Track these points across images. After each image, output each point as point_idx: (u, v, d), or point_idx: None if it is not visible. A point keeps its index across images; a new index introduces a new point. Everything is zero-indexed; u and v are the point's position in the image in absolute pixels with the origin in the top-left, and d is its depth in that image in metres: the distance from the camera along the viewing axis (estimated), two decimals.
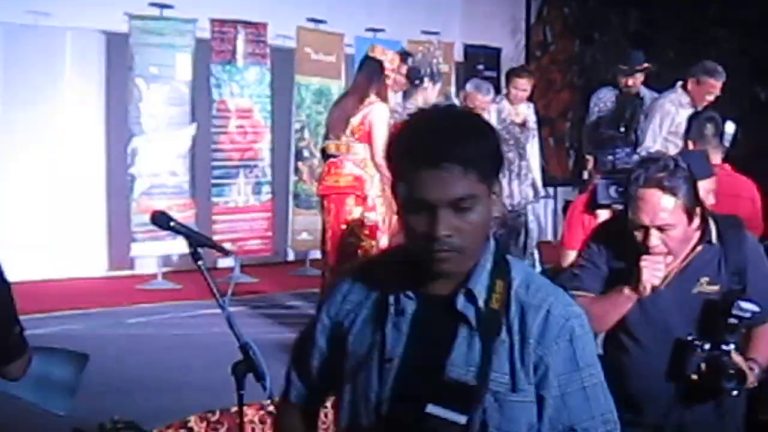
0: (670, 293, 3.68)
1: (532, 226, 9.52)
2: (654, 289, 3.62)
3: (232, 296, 3.73)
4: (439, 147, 2.22)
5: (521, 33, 14.40)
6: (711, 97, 8.34)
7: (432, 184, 2.20)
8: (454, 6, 13.41)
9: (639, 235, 3.58)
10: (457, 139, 2.23)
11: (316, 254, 11.01)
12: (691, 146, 6.49)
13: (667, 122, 8.23)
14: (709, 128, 6.35)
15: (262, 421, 5.37)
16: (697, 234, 3.66)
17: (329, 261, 7.25)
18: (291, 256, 11.40)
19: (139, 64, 9.69)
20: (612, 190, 5.09)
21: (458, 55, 12.71)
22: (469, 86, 9.23)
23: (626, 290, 3.65)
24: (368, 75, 7.35)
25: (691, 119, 6.65)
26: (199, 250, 4.06)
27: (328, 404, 2.90)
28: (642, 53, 9.50)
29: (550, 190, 14.17)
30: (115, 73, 10.13)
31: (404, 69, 8.49)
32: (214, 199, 10.27)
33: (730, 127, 7.73)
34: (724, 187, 6.23)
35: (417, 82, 8.30)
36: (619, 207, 4.63)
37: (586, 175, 7.73)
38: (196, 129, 10.05)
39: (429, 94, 8.26)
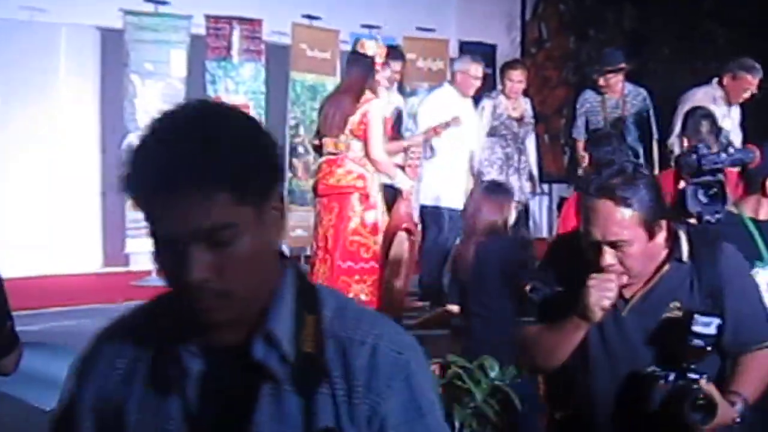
0: (635, 321, 3.17)
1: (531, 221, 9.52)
2: (613, 314, 3.12)
3: None
4: (172, 164, 1.67)
5: (516, 30, 14.39)
6: (747, 94, 8.30)
7: (170, 214, 1.68)
8: (449, 2, 13.41)
9: (592, 252, 3.06)
10: (195, 151, 1.66)
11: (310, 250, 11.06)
12: (685, 143, 6.49)
13: None
14: (705, 125, 6.35)
15: None
16: (665, 251, 3.16)
17: (331, 260, 7.21)
18: (286, 252, 11.38)
19: (134, 60, 9.69)
20: (701, 195, 4.23)
21: (453, 52, 12.69)
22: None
23: (575, 318, 3.12)
24: (362, 71, 7.33)
25: (687, 115, 6.65)
26: None
27: None
28: (620, 54, 9.49)
29: (545, 186, 14.17)
30: (110, 69, 10.11)
31: (398, 66, 8.50)
32: None
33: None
34: None
35: None
36: (711, 217, 4.15)
37: (580, 172, 7.74)
38: None
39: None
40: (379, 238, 7.27)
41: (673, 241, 3.16)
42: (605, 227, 3.01)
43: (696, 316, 3.04)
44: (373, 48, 7.50)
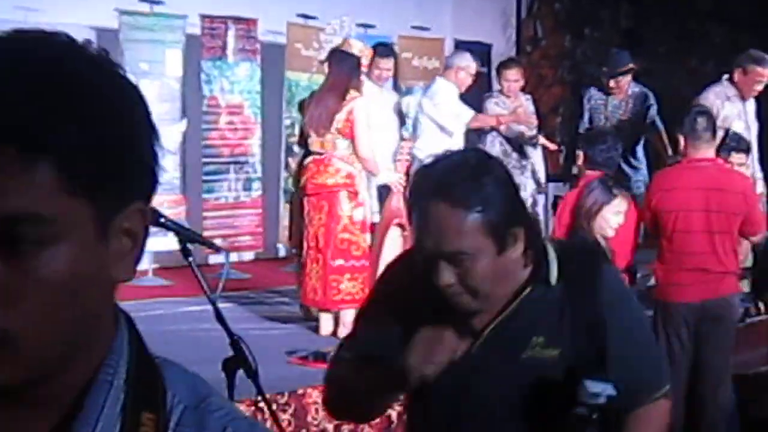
0: (487, 360, 2.45)
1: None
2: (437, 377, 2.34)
3: (222, 292, 3.75)
4: None
5: (512, 28, 14.40)
6: (760, 87, 8.25)
7: None
8: (444, 1, 13.40)
9: (427, 267, 2.36)
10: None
11: None
12: (682, 141, 6.50)
13: None
14: (700, 122, 6.35)
15: (253, 417, 5.36)
16: (526, 269, 2.45)
17: (323, 259, 7.21)
18: (282, 252, 11.38)
19: (129, 60, 9.66)
20: None
21: (449, 51, 12.67)
22: (465, 59, 9.13)
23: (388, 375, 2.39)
24: (347, 70, 7.34)
25: (684, 114, 6.66)
26: (190, 246, 4.06)
27: None
28: (627, 54, 9.47)
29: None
30: None
31: (389, 63, 8.45)
32: (205, 196, 10.26)
33: (739, 126, 7.75)
34: (711, 182, 6.27)
35: None
36: None
37: (575, 170, 7.73)
38: (187, 125, 10.03)
39: None
40: (368, 236, 7.27)
41: (537, 257, 2.45)
42: (439, 236, 2.32)
43: (585, 381, 2.33)
44: (358, 47, 7.52)
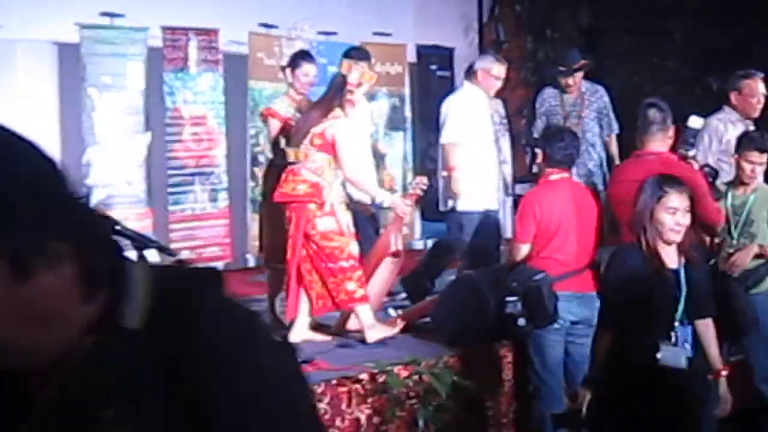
0: None
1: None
2: None
3: None
4: None
5: (474, 32, 14.45)
6: (759, 102, 8.22)
7: None
8: (405, 7, 13.44)
9: None
10: None
11: None
12: (639, 140, 6.58)
13: (716, 140, 8.12)
14: (648, 115, 6.44)
15: None
16: (89, 307, 1.57)
17: (287, 269, 7.22)
18: (251, 262, 11.40)
19: (92, 74, 9.68)
20: None
21: (411, 56, 12.74)
22: (486, 61, 8.89)
23: None
24: (333, 89, 7.38)
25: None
26: (157, 258, 4.08)
27: None
28: (578, 51, 9.55)
29: None
30: (67, 83, 10.08)
31: (365, 66, 8.42)
32: (171, 208, 10.27)
33: (696, 122, 7.78)
34: (651, 173, 6.35)
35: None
36: None
37: (535, 169, 7.74)
38: (151, 137, 10.04)
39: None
40: (348, 239, 7.24)
41: (113, 287, 1.61)
42: None
43: None
44: (359, 72, 7.53)
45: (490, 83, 8.72)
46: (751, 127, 8.10)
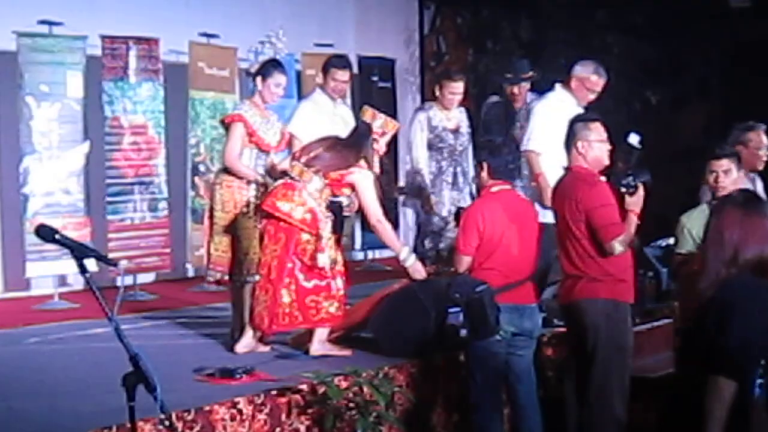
0: None
1: None
2: None
3: (130, 313, 3.73)
4: None
5: (415, 44, 14.49)
6: (761, 152, 7.97)
7: None
8: (347, 18, 13.46)
9: None
10: None
11: None
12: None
13: None
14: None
15: None
16: None
17: (273, 290, 7.02)
18: (190, 272, 11.34)
19: (29, 82, 9.58)
20: None
21: (353, 67, 12.73)
22: (586, 69, 8.45)
23: None
24: (360, 138, 7.32)
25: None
26: (96, 267, 4.04)
27: None
28: (527, 62, 9.58)
29: None
30: (4, 92, 9.98)
31: (345, 75, 8.34)
32: (110, 217, 10.19)
33: (634, 139, 7.80)
34: (564, 189, 6.50)
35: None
36: None
37: (476, 181, 7.71)
38: (90, 146, 9.96)
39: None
40: (338, 281, 7.15)
41: None
42: None
43: None
44: (369, 116, 7.48)
45: (583, 93, 8.35)
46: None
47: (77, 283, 9.89)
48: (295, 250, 6.99)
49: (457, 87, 8.86)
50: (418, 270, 7.38)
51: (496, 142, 7.08)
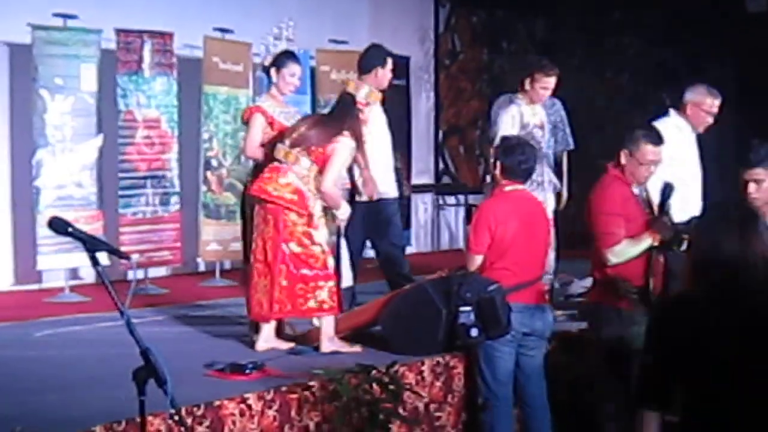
0: None
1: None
2: None
3: (141, 307, 3.73)
4: None
5: (430, 41, 14.49)
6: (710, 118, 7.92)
7: None
8: (361, 15, 13.45)
9: None
10: None
11: (226, 264, 11.01)
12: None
13: None
14: None
15: (169, 431, 5.32)
16: None
17: (271, 274, 7.06)
18: (201, 267, 11.34)
19: (44, 75, 9.58)
20: None
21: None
22: (698, 93, 8.04)
23: None
24: (344, 109, 7.33)
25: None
26: (107, 261, 4.04)
27: None
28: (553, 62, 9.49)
29: (461, 197, 14.28)
30: (18, 84, 10.00)
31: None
32: (122, 211, 10.19)
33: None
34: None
35: None
36: None
37: (488, 179, 7.68)
38: (103, 140, 9.96)
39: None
40: (327, 254, 7.16)
41: None
42: None
43: None
44: (353, 87, 7.47)
45: (700, 119, 7.96)
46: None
47: (88, 276, 9.91)
48: (284, 233, 7.01)
49: (550, 82, 8.55)
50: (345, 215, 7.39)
51: (511, 142, 7.05)
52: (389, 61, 8.47)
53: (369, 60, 8.49)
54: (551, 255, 8.35)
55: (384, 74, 8.41)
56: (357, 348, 7.19)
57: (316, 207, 7.09)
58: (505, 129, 8.43)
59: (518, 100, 8.59)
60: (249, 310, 7.36)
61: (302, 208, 7.02)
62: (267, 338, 7.21)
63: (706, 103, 7.99)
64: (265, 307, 7.10)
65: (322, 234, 7.10)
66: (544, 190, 8.60)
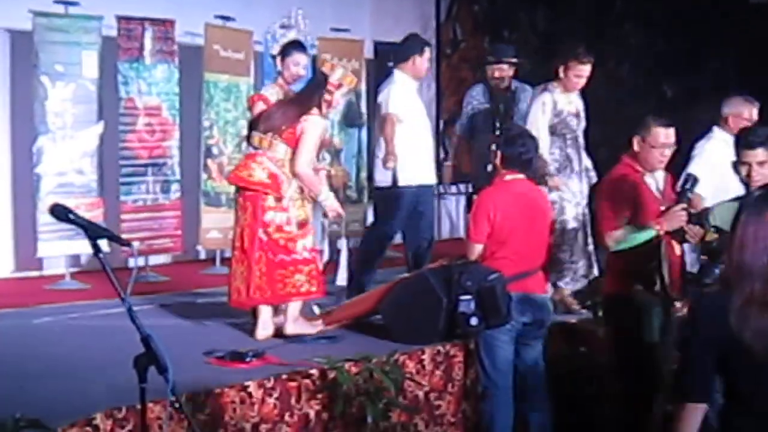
0: None
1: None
2: None
3: (142, 295, 3.73)
4: None
5: (431, 30, 14.43)
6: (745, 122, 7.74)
7: None
8: (363, 3, 13.41)
9: None
10: None
11: (227, 252, 11.00)
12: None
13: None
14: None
15: (169, 418, 5.33)
16: None
17: (248, 261, 7.13)
18: (202, 255, 11.34)
19: (45, 62, 9.57)
20: None
21: (368, 52, 12.71)
22: (736, 105, 8.10)
23: None
24: (313, 87, 7.38)
25: None
26: (108, 248, 4.04)
27: None
28: (513, 48, 9.55)
29: (462, 186, 14.26)
30: (19, 71, 9.98)
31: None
32: (123, 198, 10.18)
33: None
34: None
35: None
36: None
37: (489, 168, 7.68)
38: (104, 127, 9.94)
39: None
40: (303, 233, 7.19)
41: None
42: None
43: None
44: (328, 68, 7.48)
45: (739, 126, 7.68)
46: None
47: (89, 263, 9.90)
48: (261, 219, 7.05)
49: (585, 70, 8.51)
50: (334, 208, 7.39)
51: (512, 132, 7.05)
52: (427, 50, 8.75)
53: (407, 49, 8.74)
54: (590, 248, 8.38)
55: (422, 62, 8.69)
56: (318, 327, 7.31)
57: (290, 189, 7.12)
58: (534, 116, 8.44)
59: (552, 87, 8.52)
60: (228, 298, 7.39)
61: (276, 191, 7.08)
62: (265, 325, 7.23)
63: (744, 112, 8.02)
64: (243, 294, 7.16)
65: (293, 214, 7.14)
66: (581, 180, 8.57)
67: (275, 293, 7.14)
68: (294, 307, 7.25)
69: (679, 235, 6.14)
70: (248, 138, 7.40)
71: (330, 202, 7.38)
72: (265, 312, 7.23)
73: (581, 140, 8.64)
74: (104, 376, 5.92)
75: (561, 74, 8.49)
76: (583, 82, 8.54)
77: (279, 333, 7.24)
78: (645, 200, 6.27)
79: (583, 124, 8.66)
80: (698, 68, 13.52)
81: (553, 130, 8.45)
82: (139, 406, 3.98)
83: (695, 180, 6.24)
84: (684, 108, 13.74)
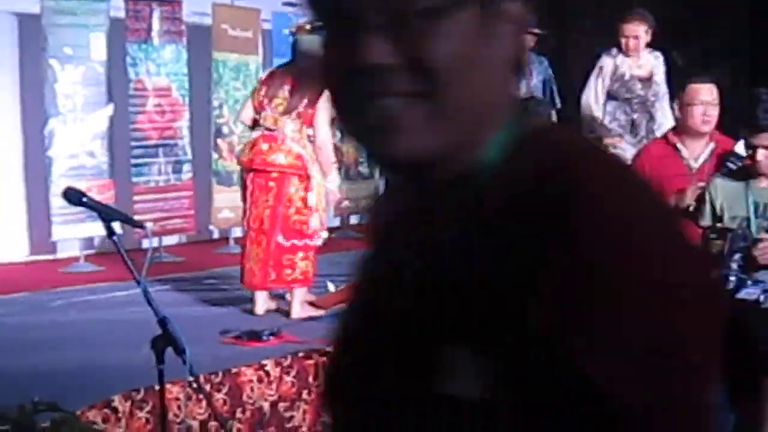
0: None
1: None
2: None
3: (156, 275, 3.74)
4: None
5: None
6: None
7: None
8: None
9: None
10: None
11: (239, 232, 11.00)
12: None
13: None
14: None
15: (188, 398, 5.34)
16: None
17: (267, 240, 7.13)
18: (215, 234, 11.34)
19: (53, 44, 9.56)
20: None
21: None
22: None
23: None
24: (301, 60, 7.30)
25: None
26: (120, 230, 4.04)
27: None
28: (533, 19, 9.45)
29: None
30: (28, 54, 9.97)
31: None
32: (134, 179, 10.18)
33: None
34: None
35: None
36: None
37: None
38: (114, 109, 9.94)
39: None
40: (314, 219, 7.19)
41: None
42: None
43: None
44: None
45: None
46: None
47: (103, 245, 9.91)
48: (284, 200, 7.04)
49: (628, 29, 8.16)
50: (336, 192, 7.40)
51: (532, 101, 6.98)
52: None
53: None
54: None
55: None
56: (321, 311, 7.28)
57: (314, 169, 7.11)
58: (590, 80, 8.26)
59: (614, 51, 8.28)
60: (241, 279, 7.38)
61: (303, 170, 7.05)
62: (264, 299, 7.26)
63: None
64: (258, 276, 7.15)
65: (314, 195, 7.13)
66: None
67: (280, 277, 7.17)
68: (301, 292, 7.27)
69: (693, 217, 5.67)
70: (256, 121, 7.34)
71: (335, 185, 7.37)
72: (259, 292, 7.28)
73: (658, 105, 8.21)
74: (120, 358, 5.93)
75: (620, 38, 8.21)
76: (634, 43, 8.17)
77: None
78: (675, 171, 5.99)
79: (657, 88, 8.24)
80: (705, 35, 13.46)
81: (615, 95, 8.21)
82: (157, 387, 3.99)
83: (738, 156, 5.76)
84: (695, 75, 13.71)
